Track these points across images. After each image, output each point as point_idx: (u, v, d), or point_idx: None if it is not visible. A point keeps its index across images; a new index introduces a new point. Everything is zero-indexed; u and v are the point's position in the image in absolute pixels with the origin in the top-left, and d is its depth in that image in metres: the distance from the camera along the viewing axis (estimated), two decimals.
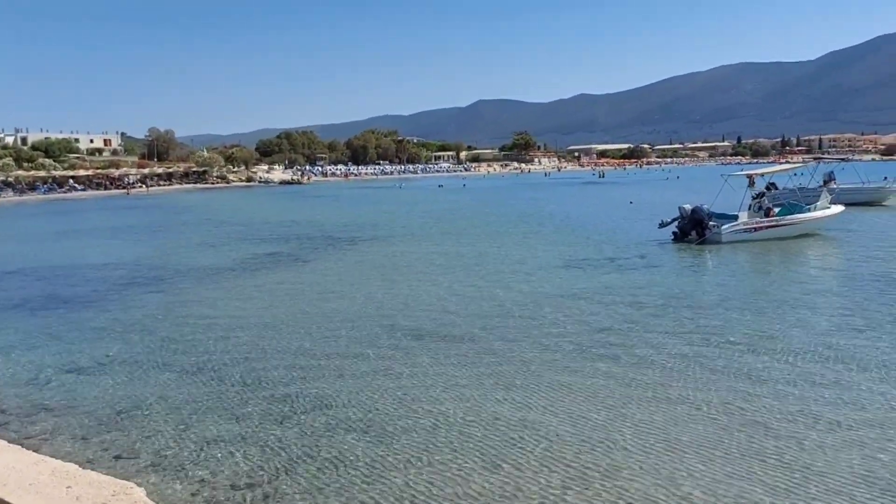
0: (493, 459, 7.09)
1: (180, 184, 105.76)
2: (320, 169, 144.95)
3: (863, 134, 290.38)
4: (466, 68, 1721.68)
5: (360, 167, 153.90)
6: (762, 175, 29.54)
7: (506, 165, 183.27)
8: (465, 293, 16.00)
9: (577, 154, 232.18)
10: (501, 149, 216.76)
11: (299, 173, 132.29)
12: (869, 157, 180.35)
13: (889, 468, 6.61)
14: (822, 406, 8.22)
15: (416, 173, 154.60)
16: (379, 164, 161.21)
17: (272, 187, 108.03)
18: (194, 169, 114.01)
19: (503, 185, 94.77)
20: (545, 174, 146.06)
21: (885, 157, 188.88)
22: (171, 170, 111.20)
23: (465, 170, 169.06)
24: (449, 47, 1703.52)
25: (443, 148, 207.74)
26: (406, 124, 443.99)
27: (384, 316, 13.82)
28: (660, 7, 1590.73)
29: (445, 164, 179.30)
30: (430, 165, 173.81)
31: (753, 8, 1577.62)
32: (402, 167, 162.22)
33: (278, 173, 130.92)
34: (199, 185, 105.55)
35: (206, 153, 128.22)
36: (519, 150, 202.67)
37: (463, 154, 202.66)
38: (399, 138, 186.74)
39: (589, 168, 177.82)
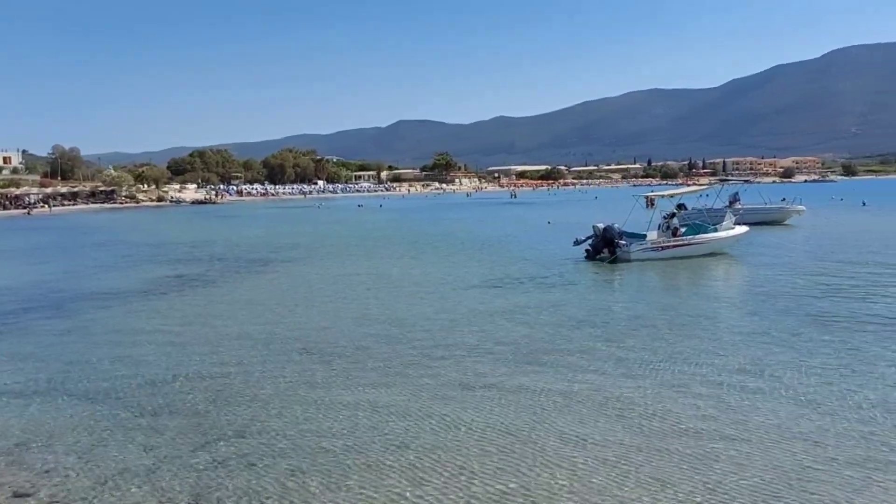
0: (413, 478, 7.08)
1: (86, 203, 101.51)
2: (235, 188, 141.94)
3: (763, 158, 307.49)
4: (387, 88, 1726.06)
5: (277, 186, 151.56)
6: (671, 196, 30.73)
7: (427, 185, 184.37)
8: (383, 313, 15.94)
9: (496, 175, 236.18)
10: (422, 169, 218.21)
11: (213, 192, 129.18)
12: (769, 179, 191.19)
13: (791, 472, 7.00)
14: (729, 412, 8.63)
15: (336, 193, 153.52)
16: (316, 183, 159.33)
17: (184, 207, 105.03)
18: (101, 188, 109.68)
19: (424, 205, 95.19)
20: (467, 195, 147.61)
21: (783, 180, 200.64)
22: (76, 189, 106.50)
23: (387, 189, 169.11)
24: (369, 66, 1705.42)
25: (363, 168, 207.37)
26: (325, 143, 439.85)
27: (298, 338, 13.59)
28: (573, 34, 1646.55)
29: (366, 184, 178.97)
30: (350, 185, 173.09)
31: (662, 36, 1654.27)
32: (321, 187, 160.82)
33: (191, 192, 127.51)
34: (106, 205, 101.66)
35: (113, 172, 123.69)
36: (440, 170, 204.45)
37: (384, 174, 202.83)
38: (318, 157, 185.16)
39: (509, 188, 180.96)
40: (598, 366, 11.07)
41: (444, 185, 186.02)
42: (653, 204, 34.89)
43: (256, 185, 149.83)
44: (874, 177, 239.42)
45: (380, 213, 71.87)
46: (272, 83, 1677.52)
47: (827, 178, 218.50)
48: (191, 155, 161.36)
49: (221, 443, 8.24)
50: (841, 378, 10.06)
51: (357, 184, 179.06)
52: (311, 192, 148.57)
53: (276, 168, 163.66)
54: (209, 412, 9.36)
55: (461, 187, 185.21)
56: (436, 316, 15.45)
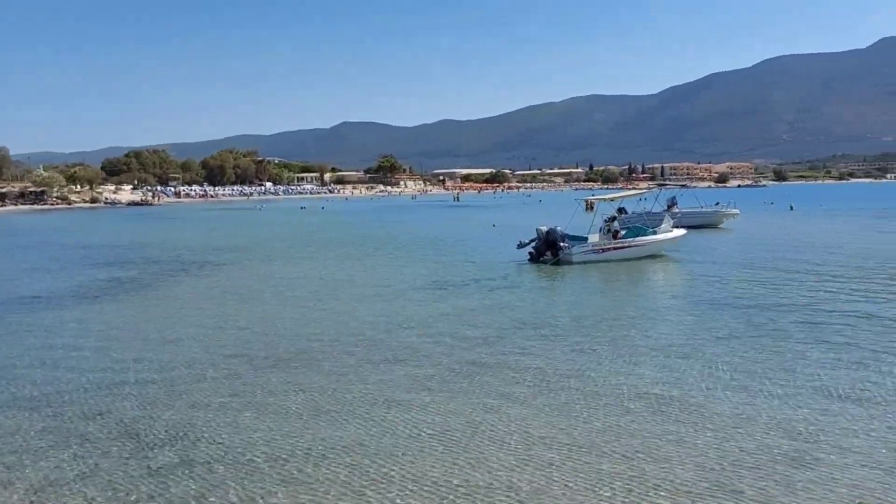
0: (355, 487, 7.01)
1: (15, 205, 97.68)
2: (173, 189, 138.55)
3: (699, 163, 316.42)
4: (330, 89, 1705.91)
5: (217, 188, 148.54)
6: (611, 200, 31.35)
7: (372, 188, 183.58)
8: (325, 317, 15.78)
9: (442, 178, 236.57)
10: (367, 171, 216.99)
11: (149, 194, 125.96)
12: (705, 184, 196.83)
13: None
14: (667, 409, 8.83)
15: (278, 195, 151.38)
16: (263, 184, 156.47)
17: (119, 208, 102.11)
18: (31, 189, 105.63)
19: (368, 207, 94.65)
20: (412, 197, 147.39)
21: (718, 185, 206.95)
22: (4, 190, 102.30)
23: (330, 192, 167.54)
24: (311, 66, 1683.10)
25: (306, 169, 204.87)
26: (267, 144, 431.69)
27: (233, 343, 13.31)
28: (517, 38, 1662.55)
29: (309, 186, 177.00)
30: (292, 187, 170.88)
31: (601, 43, 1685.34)
32: (263, 188, 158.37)
33: (126, 194, 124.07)
34: (36, 207, 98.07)
35: (44, 172, 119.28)
36: (384, 172, 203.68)
37: (327, 176, 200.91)
38: (259, 158, 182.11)
39: (453, 191, 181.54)
40: (535, 374, 11.17)
41: (388, 188, 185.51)
42: (592, 207, 35.55)
43: (195, 187, 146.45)
44: (803, 182, 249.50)
45: (322, 215, 71.27)
46: (212, 82, 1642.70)
47: (759, 184, 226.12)
48: (126, 155, 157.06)
49: (155, 450, 8.01)
50: (766, 374, 10.43)
51: (300, 185, 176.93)
52: (252, 194, 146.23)
53: (216, 169, 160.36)
54: (142, 419, 9.08)
55: (406, 190, 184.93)
56: (376, 320, 15.31)
